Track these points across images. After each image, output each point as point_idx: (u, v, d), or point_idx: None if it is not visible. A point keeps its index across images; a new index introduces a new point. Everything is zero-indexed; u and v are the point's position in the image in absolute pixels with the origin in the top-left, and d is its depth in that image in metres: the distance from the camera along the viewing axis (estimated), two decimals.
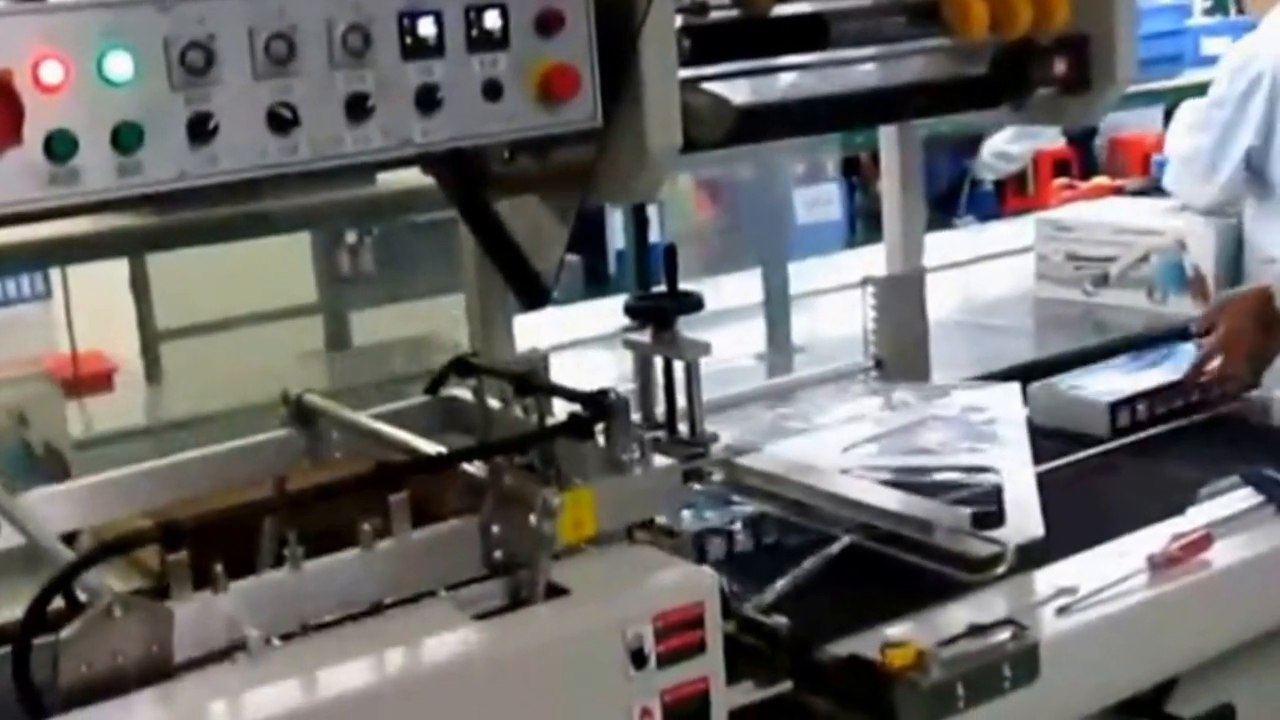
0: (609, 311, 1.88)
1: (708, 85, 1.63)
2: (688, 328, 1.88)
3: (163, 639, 1.20)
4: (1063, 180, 4.34)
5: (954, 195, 6.57)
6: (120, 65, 1.21)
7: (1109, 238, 2.90)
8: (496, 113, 1.42)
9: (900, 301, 2.33)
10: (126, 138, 1.22)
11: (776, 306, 2.84)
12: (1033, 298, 3.03)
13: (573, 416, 1.44)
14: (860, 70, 1.79)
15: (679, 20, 1.56)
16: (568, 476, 1.40)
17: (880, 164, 2.42)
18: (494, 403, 1.62)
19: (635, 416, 1.66)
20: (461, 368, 1.66)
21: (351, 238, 4.75)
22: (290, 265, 4.44)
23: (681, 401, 1.89)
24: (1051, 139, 6.02)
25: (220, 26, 1.27)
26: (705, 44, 1.61)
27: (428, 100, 1.38)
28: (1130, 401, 2.10)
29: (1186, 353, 2.25)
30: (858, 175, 7.03)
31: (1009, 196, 6.61)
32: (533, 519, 1.31)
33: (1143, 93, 3.43)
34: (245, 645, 1.23)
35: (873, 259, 2.42)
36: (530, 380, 1.57)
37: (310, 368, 4.14)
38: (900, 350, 2.33)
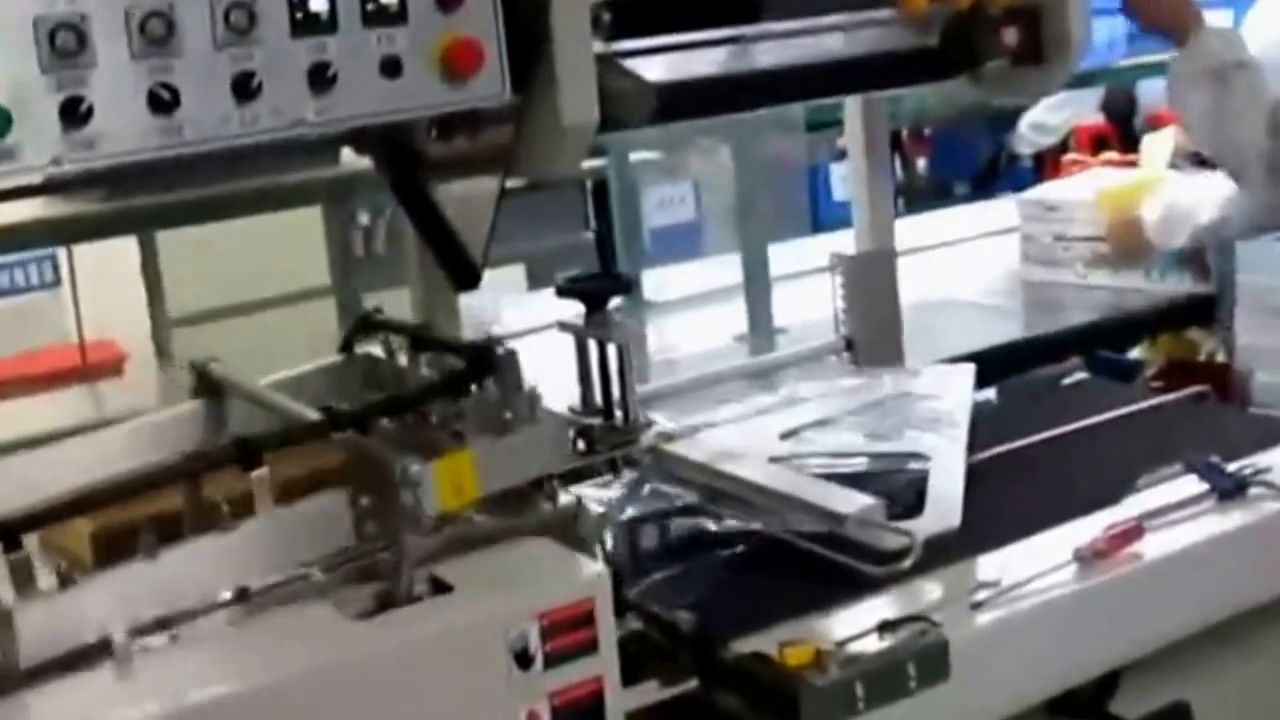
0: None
1: (634, 60, 1.58)
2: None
3: (6, 645, 1.16)
4: (1070, 156, 4.20)
5: (993, 170, 6.44)
6: None
7: (1096, 216, 2.77)
8: (396, 90, 1.38)
9: (870, 281, 2.27)
10: None
11: (757, 288, 2.78)
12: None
13: (450, 373, 1.38)
14: (797, 43, 1.73)
15: None
16: (446, 440, 1.33)
17: (903, 141, 2.36)
18: (403, 359, 1.57)
19: (575, 401, 1.62)
20: (368, 325, 1.62)
21: (365, 219, 4.75)
22: (303, 247, 4.45)
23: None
24: (1087, 112, 5.86)
25: (92, 5, 1.23)
26: (630, 17, 1.56)
27: (320, 78, 1.34)
28: None
29: None
30: (898, 151, 6.93)
31: (1048, 170, 6.45)
32: (404, 493, 1.26)
33: (1146, 65, 3.27)
34: (108, 645, 1.20)
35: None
36: (422, 335, 1.53)
37: (324, 350, 4.13)
38: (871, 331, 2.26)
